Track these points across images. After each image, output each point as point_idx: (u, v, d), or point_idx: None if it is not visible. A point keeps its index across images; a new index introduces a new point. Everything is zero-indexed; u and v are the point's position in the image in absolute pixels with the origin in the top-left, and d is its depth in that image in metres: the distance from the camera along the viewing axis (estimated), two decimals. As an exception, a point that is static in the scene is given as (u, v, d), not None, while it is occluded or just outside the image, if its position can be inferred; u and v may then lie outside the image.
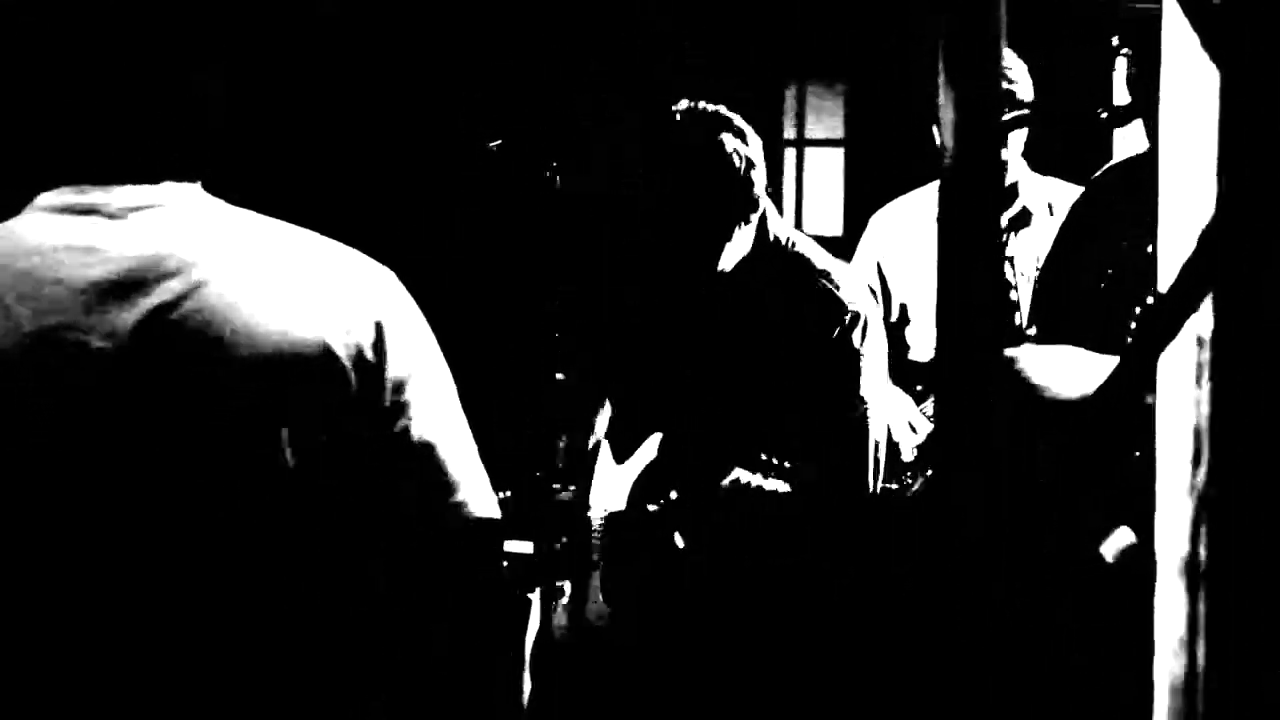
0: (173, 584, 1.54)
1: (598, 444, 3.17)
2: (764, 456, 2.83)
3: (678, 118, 2.92)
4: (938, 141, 4.50)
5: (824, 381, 2.92)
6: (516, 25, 5.41)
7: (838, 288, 2.93)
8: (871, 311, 2.97)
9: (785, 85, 6.41)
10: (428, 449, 1.62)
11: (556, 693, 3.10)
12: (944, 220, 0.98)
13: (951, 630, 0.95)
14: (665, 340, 3.09)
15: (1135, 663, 1.17)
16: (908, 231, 4.41)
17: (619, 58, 5.21)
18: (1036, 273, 3.65)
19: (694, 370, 3.02)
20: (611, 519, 3.02)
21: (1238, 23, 0.96)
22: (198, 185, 1.64)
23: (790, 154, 6.64)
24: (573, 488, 3.17)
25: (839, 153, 6.66)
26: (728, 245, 2.92)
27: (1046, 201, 4.27)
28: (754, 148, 2.96)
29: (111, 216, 1.58)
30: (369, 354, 1.59)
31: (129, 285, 1.55)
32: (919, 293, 4.31)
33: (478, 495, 1.66)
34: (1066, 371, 2.21)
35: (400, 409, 1.61)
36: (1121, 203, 2.51)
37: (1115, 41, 2.35)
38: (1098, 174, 2.74)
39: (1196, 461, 1.05)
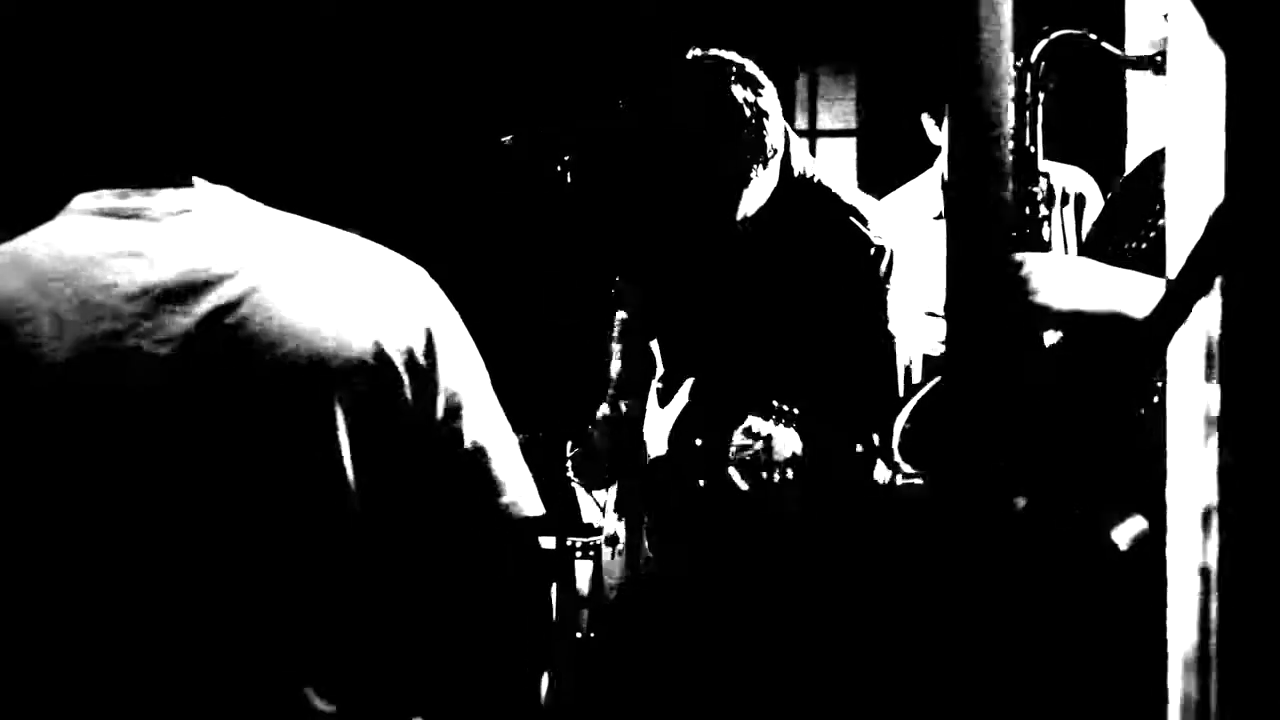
0: (233, 585, 1.55)
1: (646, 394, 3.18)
2: (776, 403, 2.83)
3: (687, 67, 2.92)
4: (928, 131, 4.51)
5: (852, 315, 2.92)
6: (525, 18, 5.42)
7: (864, 222, 2.94)
8: (899, 247, 2.96)
9: (796, 75, 6.40)
10: (479, 451, 1.64)
11: (613, 643, 3.10)
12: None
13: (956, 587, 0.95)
14: (698, 289, 3.09)
15: (1146, 659, 1.17)
16: (906, 222, 4.42)
17: (628, 48, 5.20)
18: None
19: (723, 314, 3.02)
20: (651, 464, 3.04)
21: (1243, 5, 0.96)
22: (227, 188, 1.64)
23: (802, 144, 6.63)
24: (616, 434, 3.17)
25: (851, 143, 6.65)
26: (745, 192, 2.92)
27: (1062, 187, 4.27)
28: (767, 96, 2.95)
29: (156, 220, 1.58)
30: (421, 359, 1.60)
31: (182, 290, 1.55)
32: (919, 281, 4.31)
33: (526, 495, 1.68)
34: (1080, 282, 2.15)
35: (452, 412, 1.62)
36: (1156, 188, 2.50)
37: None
38: (1141, 161, 2.73)
39: (1206, 445, 1.05)
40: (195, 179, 1.61)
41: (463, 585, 1.69)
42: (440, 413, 1.62)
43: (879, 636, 2.78)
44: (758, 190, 2.93)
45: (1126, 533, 1.66)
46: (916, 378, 3.30)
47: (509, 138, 3.17)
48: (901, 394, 2.98)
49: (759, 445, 2.78)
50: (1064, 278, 2.14)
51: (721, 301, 3.03)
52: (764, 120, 2.88)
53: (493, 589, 1.70)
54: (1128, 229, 2.41)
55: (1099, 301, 2.08)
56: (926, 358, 3.90)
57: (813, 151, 6.62)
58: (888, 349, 2.95)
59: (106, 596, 1.52)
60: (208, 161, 1.63)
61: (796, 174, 2.99)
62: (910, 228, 4.37)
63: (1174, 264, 1.03)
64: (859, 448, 2.87)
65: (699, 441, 2.88)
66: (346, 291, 1.59)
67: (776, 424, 2.81)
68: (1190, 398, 1.09)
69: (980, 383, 0.87)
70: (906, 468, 3.78)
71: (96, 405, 1.52)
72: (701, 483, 2.88)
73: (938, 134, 4.46)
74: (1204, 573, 1.05)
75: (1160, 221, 2.36)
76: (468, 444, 1.63)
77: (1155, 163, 2.61)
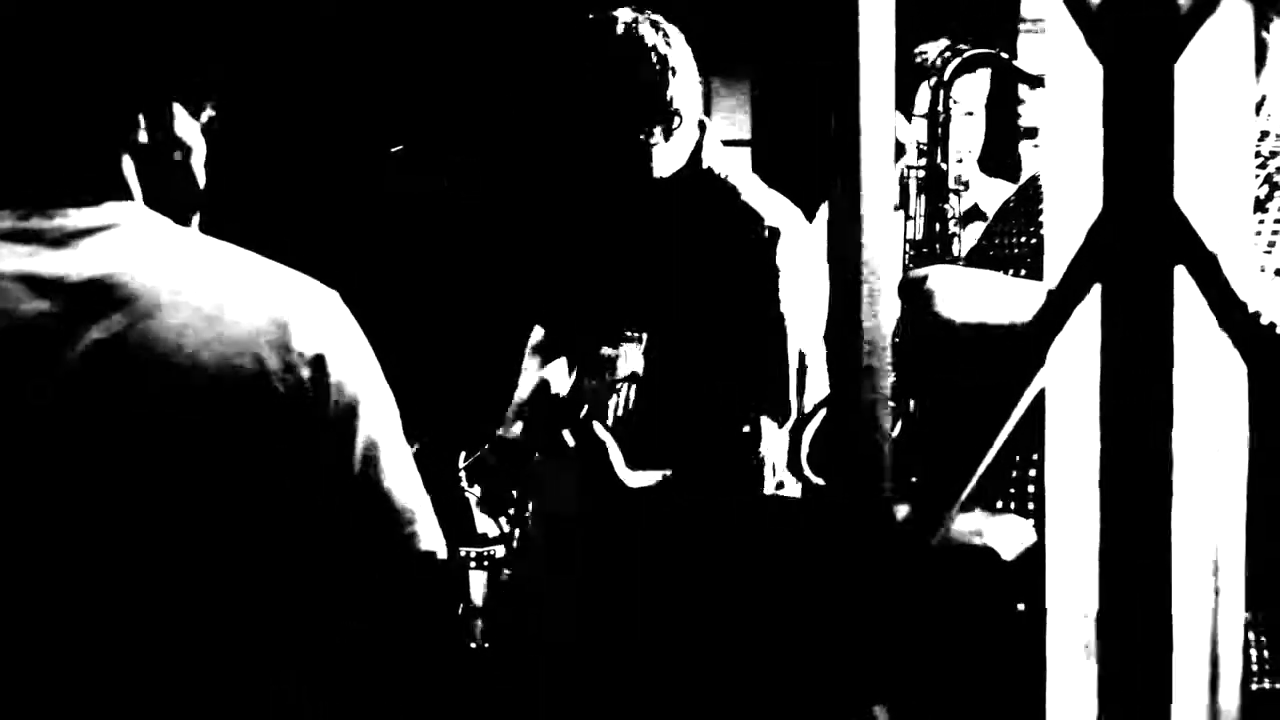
0: (121, 616, 1.53)
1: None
2: (626, 331, 2.86)
3: (600, 20, 2.94)
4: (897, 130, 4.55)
5: (741, 290, 2.95)
6: (409, 31, 5.39)
7: (761, 207, 2.97)
8: (795, 233, 3.00)
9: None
10: (374, 481, 1.61)
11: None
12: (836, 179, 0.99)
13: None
14: (596, 252, 3.11)
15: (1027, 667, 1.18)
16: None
17: (516, 56, 5.20)
18: None
19: (615, 280, 3.04)
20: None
21: (1119, 17, 0.97)
22: (138, 204, 1.61)
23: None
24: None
25: (746, 153, 6.69)
26: (654, 152, 2.93)
27: (977, 201, 4.34)
28: (678, 54, 2.97)
29: (54, 243, 1.55)
30: (309, 386, 1.58)
31: (72, 317, 1.52)
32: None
33: (425, 526, 1.65)
34: (982, 296, 2.16)
35: (343, 441, 1.60)
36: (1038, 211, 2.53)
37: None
38: (1023, 183, 2.76)
39: (1087, 455, 1.06)
40: (106, 198, 1.59)
41: (361, 616, 1.66)
42: (332, 440, 1.59)
43: (752, 641, 2.79)
44: (665, 155, 2.95)
45: (1012, 543, 1.68)
46: (812, 365, 3.33)
47: (398, 148, 3.17)
48: (794, 381, 3.02)
49: (605, 368, 2.81)
50: (966, 291, 2.16)
51: (616, 267, 3.06)
52: (670, 76, 2.91)
53: (391, 620, 1.68)
54: (1016, 230, 2.44)
55: (1000, 313, 2.10)
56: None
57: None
58: (779, 330, 2.98)
59: None
60: (118, 178, 1.61)
61: (705, 165, 3.02)
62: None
63: (1053, 273, 1.04)
64: (745, 426, 2.91)
65: (556, 392, 2.89)
66: (241, 317, 1.57)
67: (623, 346, 2.84)
68: (1070, 403, 1.10)
69: (857, 393, 0.88)
70: (814, 479, 3.80)
71: None
72: (570, 441, 2.88)
73: (906, 128, 4.50)
74: (1083, 578, 1.07)
75: (1029, 256, 2.39)
76: (361, 473, 1.61)
77: (1032, 193, 2.65)
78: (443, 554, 1.67)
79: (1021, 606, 1.75)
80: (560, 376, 3.07)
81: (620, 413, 2.98)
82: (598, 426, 2.86)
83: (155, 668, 1.54)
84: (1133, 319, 0.99)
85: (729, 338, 2.94)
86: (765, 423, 2.98)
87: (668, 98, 2.92)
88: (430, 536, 1.64)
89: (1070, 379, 1.10)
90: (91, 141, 1.59)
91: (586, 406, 2.87)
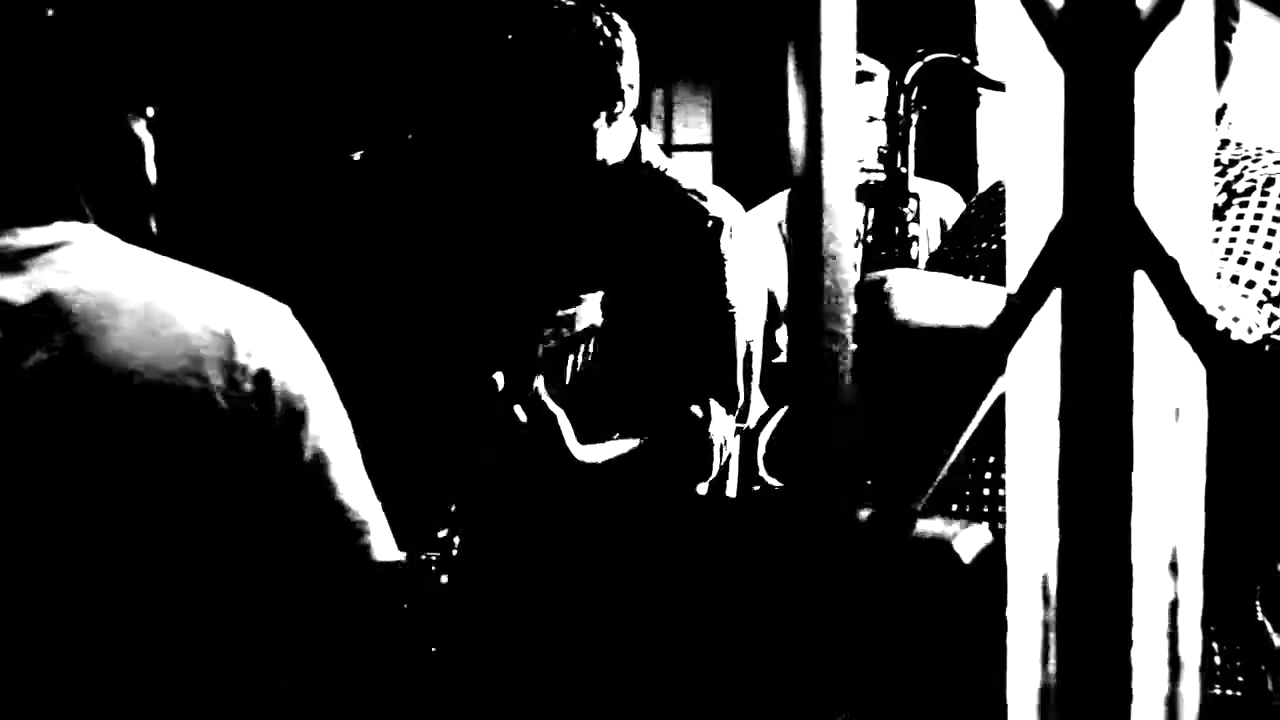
0: (76, 632, 1.52)
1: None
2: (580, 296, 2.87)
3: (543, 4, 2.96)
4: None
5: (686, 281, 2.97)
6: (369, 41, 5.38)
7: (703, 199, 2.98)
8: (738, 228, 3.02)
9: (653, 91, 6.43)
10: (325, 492, 1.61)
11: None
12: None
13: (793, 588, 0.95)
14: (543, 243, 3.11)
15: (988, 669, 1.18)
16: (768, 235, 4.49)
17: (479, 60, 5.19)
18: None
19: (561, 271, 3.05)
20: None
21: (1080, 21, 0.97)
22: (91, 225, 1.61)
23: (658, 159, 6.65)
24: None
25: (706, 157, 6.70)
26: (598, 137, 2.95)
27: (938, 215, 4.36)
28: (623, 41, 3.00)
29: (4, 263, 1.54)
30: (254, 402, 1.58)
31: (19, 337, 1.52)
32: (783, 294, 4.37)
33: (378, 536, 1.65)
34: (942, 299, 2.17)
35: (292, 454, 1.60)
36: (998, 219, 2.54)
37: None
38: (982, 193, 2.77)
39: (1048, 458, 1.07)
40: (56, 217, 1.58)
41: (319, 628, 1.66)
42: (280, 454, 1.59)
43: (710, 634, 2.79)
44: (609, 143, 2.96)
45: (970, 544, 1.69)
46: (756, 354, 3.34)
47: (358, 154, 3.16)
48: (742, 369, 3.03)
49: (562, 327, 2.81)
50: (925, 293, 2.17)
51: (563, 249, 3.07)
52: (615, 62, 2.93)
53: (348, 632, 1.68)
54: (978, 235, 2.45)
55: (959, 316, 2.11)
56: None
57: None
58: (726, 318, 3.00)
59: None
60: (68, 198, 1.60)
61: (644, 160, 3.05)
62: (769, 231, 4.43)
63: (1014, 278, 1.04)
64: (697, 410, 2.92)
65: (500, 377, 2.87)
66: (186, 331, 1.57)
67: (580, 303, 2.85)
68: (1031, 406, 1.11)
69: (820, 394, 0.88)
70: (770, 480, 3.80)
71: None
72: (522, 416, 2.86)
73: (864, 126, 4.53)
74: (1043, 581, 1.07)
75: (989, 263, 2.40)
76: (311, 486, 1.61)
77: (991, 201, 2.66)
78: (397, 560, 1.67)
79: (980, 609, 1.76)
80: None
81: (580, 368, 2.98)
82: (547, 399, 2.85)
83: (109, 678, 1.53)
84: (1093, 323, 1.00)
85: (676, 326, 2.96)
86: (715, 406, 2.99)
87: (611, 80, 2.94)
88: (384, 545, 1.65)
89: (1030, 382, 1.10)
90: (39, 162, 1.58)
91: (540, 377, 2.86)
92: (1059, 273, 1.01)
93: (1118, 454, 1.01)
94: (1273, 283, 2.03)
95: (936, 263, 2.62)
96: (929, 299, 2.15)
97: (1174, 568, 1.12)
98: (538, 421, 2.82)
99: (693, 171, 3.12)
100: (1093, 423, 1.00)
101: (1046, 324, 1.04)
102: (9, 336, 1.51)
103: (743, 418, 3.19)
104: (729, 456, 3.11)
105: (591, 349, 2.95)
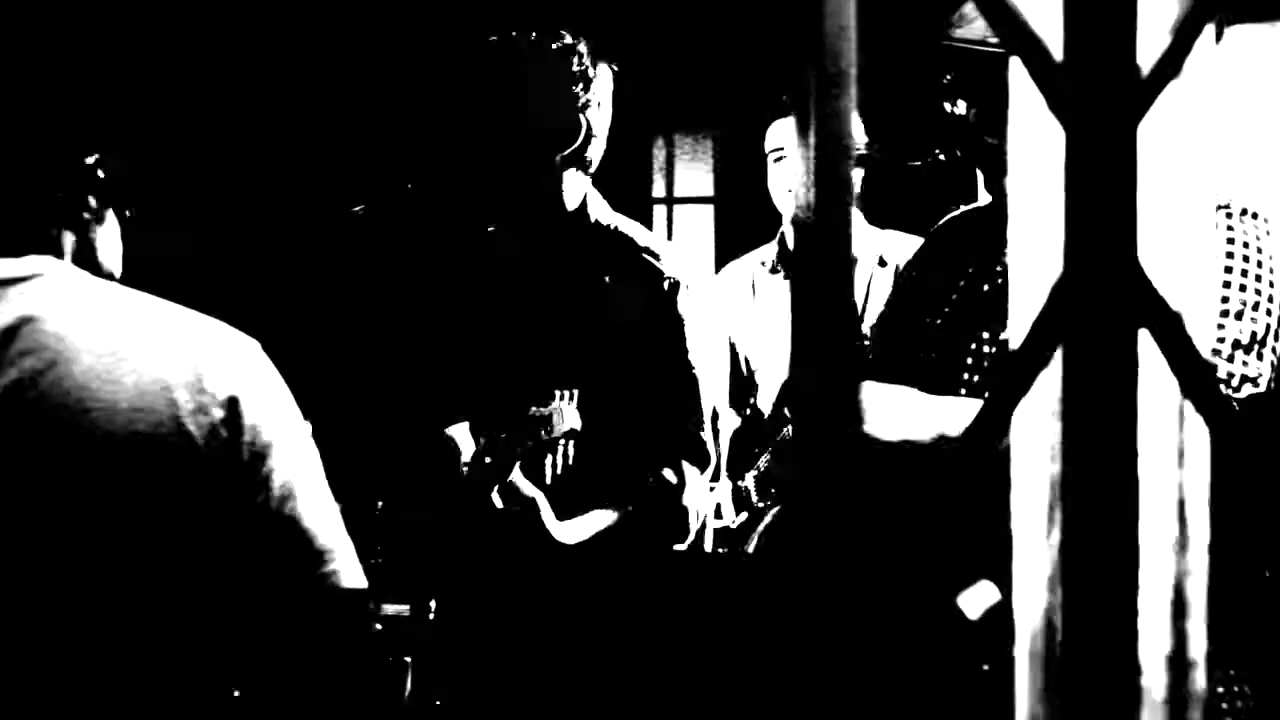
0: (35, 666, 1.51)
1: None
2: (556, 391, 2.84)
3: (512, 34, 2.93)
4: (774, 197, 4.57)
5: (648, 344, 2.94)
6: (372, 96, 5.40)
7: (658, 258, 2.95)
8: (695, 284, 3.00)
9: (653, 140, 6.44)
10: (292, 521, 1.62)
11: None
12: (798, 268, 0.98)
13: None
14: (496, 305, 3.07)
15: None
16: (745, 289, 4.49)
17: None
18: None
19: (517, 339, 3.02)
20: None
21: (1081, 79, 0.97)
22: (64, 259, 1.62)
23: (660, 211, 6.67)
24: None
25: (709, 210, 6.70)
26: (565, 177, 2.92)
27: (878, 254, 4.34)
28: (600, 78, 2.94)
29: None
30: (223, 430, 1.58)
31: None
32: (765, 355, 4.37)
33: (346, 564, 1.66)
34: (903, 413, 2.18)
35: (260, 483, 1.60)
36: (957, 251, 2.53)
37: (948, 79, 2.37)
38: (938, 225, 2.76)
39: (1051, 517, 1.06)
40: (28, 250, 1.59)
41: (288, 656, 1.67)
42: (248, 483, 1.60)
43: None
44: (575, 185, 2.94)
45: (977, 602, 1.68)
46: (724, 416, 3.33)
47: (360, 208, 3.15)
48: (710, 428, 3.00)
49: (540, 429, 2.78)
50: (888, 409, 2.18)
51: (521, 324, 3.04)
52: (576, 88, 2.89)
53: (318, 659, 1.68)
54: (927, 301, 2.45)
55: (922, 430, 2.12)
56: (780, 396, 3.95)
57: (670, 219, 6.67)
58: (690, 380, 2.97)
59: None
60: (41, 233, 1.61)
61: (593, 220, 3.01)
62: (746, 281, 4.43)
63: (1016, 335, 1.04)
64: (671, 476, 2.90)
65: (487, 460, 2.85)
66: (154, 364, 1.58)
67: (557, 404, 2.82)
68: (1034, 467, 1.10)
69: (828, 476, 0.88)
70: (758, 500, 3.78)
71: None
72: (499, 503, 2.85)
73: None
74: (1049, 646, 1.06)
75: (954, 296, 2.40)
76: (279, 513, 1.62)
77: (948, 233, 2.65)
78: (363, 589, 1.67)
79: (986, 667, 1.75)
80: (464, 439, 3.03)
81: (560, 470, 2.96)
82: (523, 482, 2.83)
83: (72, 703, 1.53)
84: (1096, 382, 0.99)
85: (641, 392, 2.92)
86: (688, 469, 2.97)
87: (567, 121, 2.90)
88: (351, 574, 1.66)
89: (1033, 439, 1.10)
90: (14, 195, 1.60)
91: (517, 466, 2.84)
92: (1062, 330, 1.00)
93: (1123, 513, 1.00)
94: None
95: (895, 301, 2.62)
96: (891, 414, 2.17)
97: (1179, 615, 1.11)
98: (516, 506, 2.81)
99: (638, 228, 3.07)
100: (1097, 480, 1.00)
101: (1047, 380, 1.04)
102: None
103: (715, 476, 3.17)
104: (704, 518, 3.09)
105: (571, 451, 2.91)
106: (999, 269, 2.36)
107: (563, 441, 2.87)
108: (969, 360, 2.28)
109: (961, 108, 2.36)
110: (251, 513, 1.60)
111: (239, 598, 1.61)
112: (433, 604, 2.87)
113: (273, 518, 1.62)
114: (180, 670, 1.60)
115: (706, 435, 2.97)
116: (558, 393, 2.85)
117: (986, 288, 2.37)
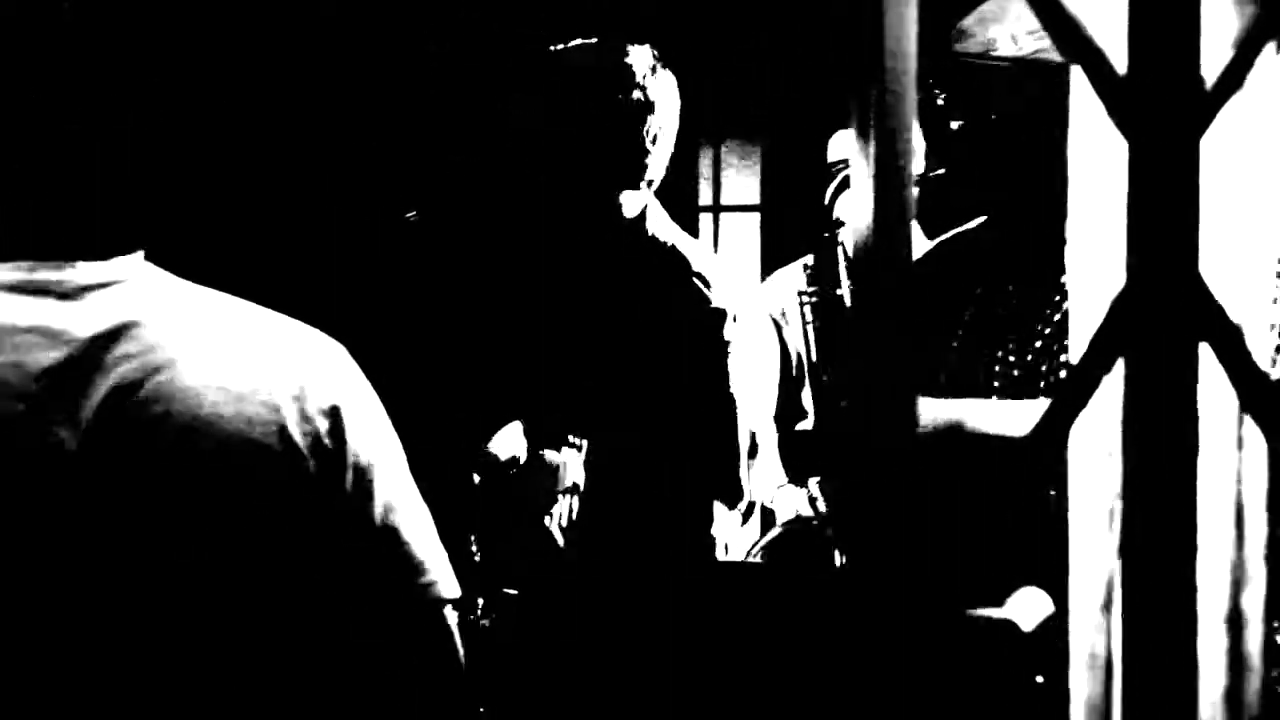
0: (139, 677, 1.51)
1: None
2: (570, 438, 2.82)
3: (580, 43, 2.89)
4: (826, 202, 4.55)
5: (691, 372, 2.90)
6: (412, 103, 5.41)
7: (709, 285, 2.90)
8: (744, 314, 2.96)
9: (700, 148, 6.44)
10: (392, 531, 1.62)
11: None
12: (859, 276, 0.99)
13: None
14: (551, 318, 3.06)
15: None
16: (792, 297, 4.48)
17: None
18: None
19: (564, 352, 3.00)
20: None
21: (1144, 92, 0.97)
22: (141, 259, 1.62)
23: (706, 220, 6.67)
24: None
25: (755, 218, 6.70)
26: (624, 195, 2.88)
27: None
28: (661, 88, 2.89)
29: (64, 296, 1.55)
30: (327, 440, 1.58)
31: (87, 369, 1.52)
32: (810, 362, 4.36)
33: (442, 574, 1.66)
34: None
35: (363, 494, 1.60)
36: (959, 276, 2.51)
37: (941, 100, 2.36)
38: (930, 249, 2.71)
39: (1109, 529, 1.06)
40: (114, 253, 1.59)
41: (383, 669, 1.66)
42: (351, 494, 1.59)
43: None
44: (631, 200, 2.90)
45: (1030, 615, 1.67)
46: (763, 444, 3.31)
47: (413, 214, 3.16)
48: (744, 461, 2.98)
49: (546, 474, 2.78)
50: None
51: (565, 339, 3.02)
52: (647, 113, 2.85)
53: (412, 671, 1.68)
54: (931, 324, 2.44)
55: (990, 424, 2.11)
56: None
57: (716, 227, 6.67)
58: (727, 407, 2.93)
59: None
60: (128, 234, 1.61)
61: (650, 234, 2.97)
62: (793, 289, 4.43)
63: (1076, 347, 1.04)
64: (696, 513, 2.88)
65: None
66: (254, 372, 1.57)
67: (565, 452, 2.81)
68: (1093, 479, 1.10)
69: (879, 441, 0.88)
70: (810, 506, 3.75)
71: (3, 487, 1.49)
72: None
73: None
74: (1107, 658, 1.06)
75: (966, 318, 2.39)
76: (380, 524, 1.61)
77: (942, 257, 2.62)
78: (460, 597, 1.68)
79: (1040, 679, 1.74)
80: (515, 440, 3.00)
81: (564, 523, 2.93)
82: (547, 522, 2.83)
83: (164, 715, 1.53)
84: (1157, 394, 0.99)
85: (677, 420, 2.88)
86: (717, 506, 2.93)
87: (634, 135, 2.86)
88: (448, 585, 1.65)
89: (1092, 450, 1.10)
90: (99, 197, 1.59)
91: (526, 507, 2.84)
92: (1123, 342, 1.00)
93: (1182, 526, 1.00)
94: None
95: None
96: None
97: (1236, 623, 1.11)
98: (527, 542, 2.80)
99: (697, 249, 3.04)
100: (1156, 494, 1.00)
101: (1108, 393, 1.03)
102: (77, 366, 1.52)
103: (748, 513, 3.15)
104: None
105: (575, 507, 2.89)
106: (1010, 289, 2.35)
107: (565, 496, 2.84)
108: (995, 383, 2.27)
109: (955, 124, 2.35)
110: (354, 526, 1.60)
111: (340, 609, 1.61)
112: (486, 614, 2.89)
113: (375, 530, 1.61)
114: (285, 684, 1.59)
115: (741, 468, 2.93)
116: (570, 438, 2.83)
117: (1001, 311, 2.36)
